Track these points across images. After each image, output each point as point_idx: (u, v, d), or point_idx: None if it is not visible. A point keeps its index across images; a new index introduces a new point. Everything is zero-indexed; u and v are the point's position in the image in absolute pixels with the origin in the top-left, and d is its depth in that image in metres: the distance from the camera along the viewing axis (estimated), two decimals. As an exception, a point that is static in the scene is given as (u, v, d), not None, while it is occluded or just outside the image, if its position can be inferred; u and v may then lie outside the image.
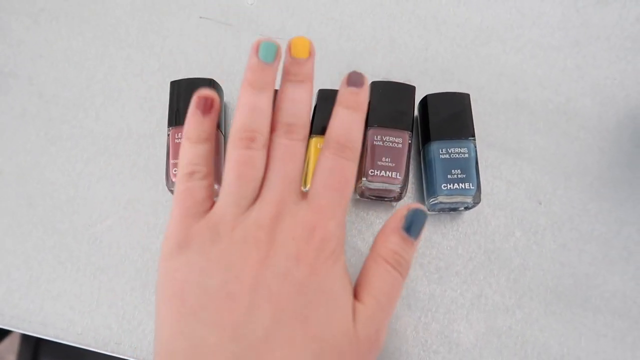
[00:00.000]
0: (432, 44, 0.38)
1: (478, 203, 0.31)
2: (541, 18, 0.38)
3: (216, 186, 0.29)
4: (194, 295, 0.21)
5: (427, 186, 0.32)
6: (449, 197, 0.30)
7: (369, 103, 0.31)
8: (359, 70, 0.24)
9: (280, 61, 0.25)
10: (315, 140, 0.31)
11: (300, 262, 0.21)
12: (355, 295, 0.23)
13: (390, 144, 0.31)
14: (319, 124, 0.32)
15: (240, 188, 0.23)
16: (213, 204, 0.23)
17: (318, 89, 0.33)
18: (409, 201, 0.34)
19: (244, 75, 0.24)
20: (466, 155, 0.31)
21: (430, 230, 0.33)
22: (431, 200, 0.31)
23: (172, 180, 0.31)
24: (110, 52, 0.38)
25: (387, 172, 0.30)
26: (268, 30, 0.38)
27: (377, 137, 0.31)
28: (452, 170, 0.30)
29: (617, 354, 0.31)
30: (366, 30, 0.38)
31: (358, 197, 0.33)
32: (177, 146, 0.31)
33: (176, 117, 0.32)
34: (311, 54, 0.24)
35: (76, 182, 0.35)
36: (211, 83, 0.33)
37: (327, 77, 0.36)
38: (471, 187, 0.30)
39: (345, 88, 0.24)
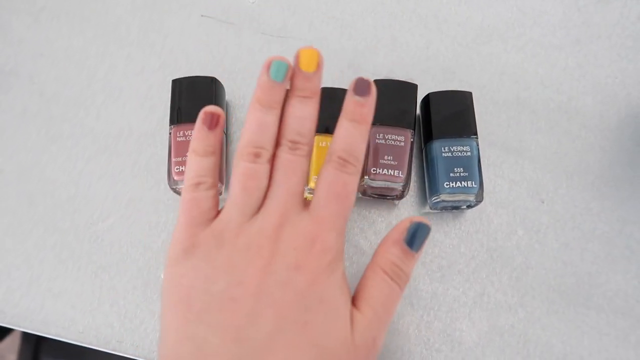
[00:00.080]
0: (434, 42, 0.38)
1: (481, 201, 0.31)
2: (542, 17, 0.38)
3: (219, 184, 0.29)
4: (200, 300, 0.22)
5: (430, 184, 0.32)
6: (451, 195, 0.30)
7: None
8: (365, 77, 0.24)
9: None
10: (317, 139, 0.31)
11: (301, 271, 0.22)
12: (354, 303, 0.23)
13: (393, 142, 0.31)
14: (320, 123, 0.31)
15: (244, 199, 0.23)
16: (218, 213, 0.24)
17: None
18: (411, 199, 0.34)
19: (254, 91, 0.24)
20: (468, 154, 0.31)
21: (433, 229, 0.33)
22: (433, 198, 0.31)
23: (174, 179, 0.31)
24: (111, 50, 0.38)
25: (390, 171, 0.30)
26: (270, 28, 0.38)
27: (379, 136, 0.31)
28: (455, 169, 0.30)
29: (619, 353, 0.31)
30: (367, 29, 0.38)
31: (360, 195, 0.33)
32: (179, 144, 0.31)
33: (178, 116, 0.32)
34: (319, 66, 0.25)
35: (77, 181, 0.35)
36: (213, 81, 0.33)
37: (328, 76, 0.36)
38: (474, 186, 0.30)
39: (351, 97, 0.24)
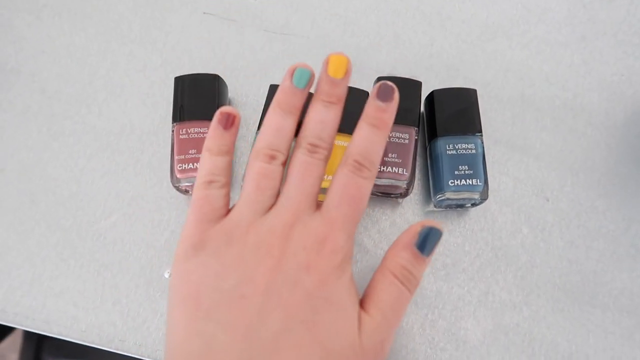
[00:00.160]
0: (437, 40, 0.38)
1: (485, 199, 0.30)
2: (547, 14, 0.38)
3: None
4: (209, 297, 0.22)
5: (434, 182, 0.32)
6: (456, 193, 0.30)
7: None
8: (389, 83, 0.24)
9: (313, 86, 0.25)
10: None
11: (310, 272, 0.22)
12: (363, 306, 0.23)
13: (397, 140, 0.30)
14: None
15: (257, 197, 0.24)
16: (228, 212, 0.24)
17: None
18: (415, 197, 0.34)
19: (276, 95, 0.25)
20: (473, 151, 0.30)
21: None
22: (438, 196, 0.31)
23: (176, 177, 0.31)
24: (113, 48, 0.38)
25: (394, 168, 0.30)
26: (272, 26, 0.38)
27: (383, 133, 0.30)
28: (459, 166, 0.30)
29: (625, 351, 0.31)
30: (370, 26, 0.38)
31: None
32: (181, 142, 0.31)
33: (180, 113, 0.32)
34: (347, 73, 0.25)
35: (79, 179, 0.34)
36: (216, 79, 0.33)
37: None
38: (478, 183, 0.30)
39: (373, 101, 0.24)
